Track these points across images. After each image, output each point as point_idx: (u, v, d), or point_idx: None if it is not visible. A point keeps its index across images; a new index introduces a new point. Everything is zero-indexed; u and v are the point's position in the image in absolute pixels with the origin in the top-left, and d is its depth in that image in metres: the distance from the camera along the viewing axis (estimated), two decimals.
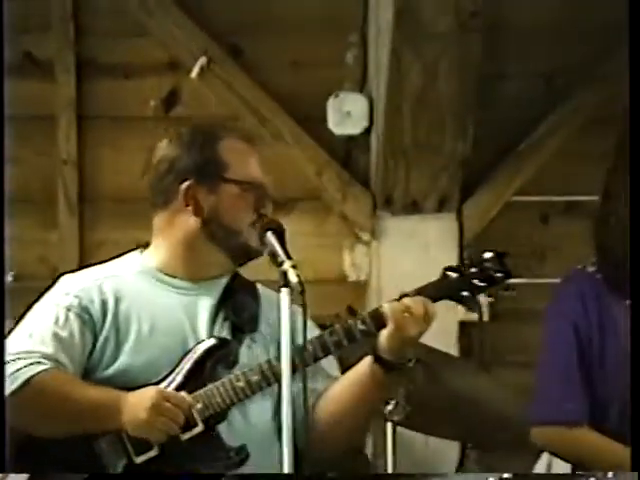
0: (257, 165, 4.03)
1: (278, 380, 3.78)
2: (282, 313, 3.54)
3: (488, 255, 3.93)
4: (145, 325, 3.95)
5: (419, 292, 3.88)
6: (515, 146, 5.68)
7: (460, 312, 5.43)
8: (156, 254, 4.03)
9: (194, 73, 5.74)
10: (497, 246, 5.41)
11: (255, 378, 3.86)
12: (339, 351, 3.92)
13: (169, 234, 4.02)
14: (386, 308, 3.83)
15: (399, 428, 4.80)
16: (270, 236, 3.72)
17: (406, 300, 3.85)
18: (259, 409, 3.94)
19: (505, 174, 5.69)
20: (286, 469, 3.48)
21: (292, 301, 3.53)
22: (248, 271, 3.96)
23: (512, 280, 5.26)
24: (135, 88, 5.81)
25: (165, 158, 4.01)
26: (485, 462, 5.54)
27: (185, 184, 3.94)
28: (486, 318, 5.48)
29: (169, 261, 4.02)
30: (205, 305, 4.00)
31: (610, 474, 3.79)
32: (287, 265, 3.57)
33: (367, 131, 5.75)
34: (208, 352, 3.93)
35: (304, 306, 3.58)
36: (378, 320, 3.83)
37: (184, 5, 5.79)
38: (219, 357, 3.94)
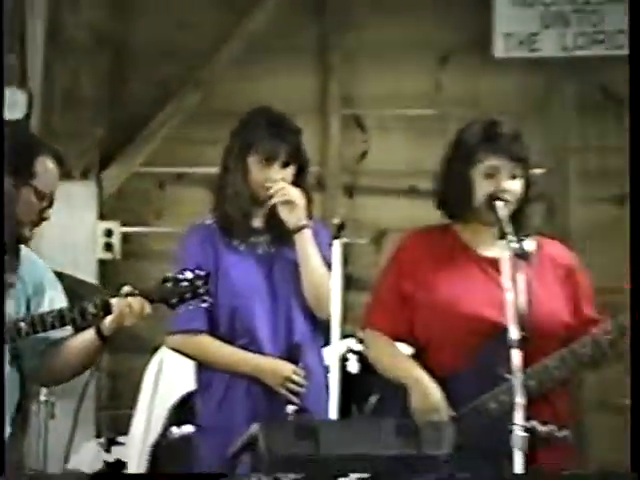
0: (56, 181, 3.92)
1: (45, 329, 3.76)
2: None
3: (198, 274, 3.79)
4: None
5: (141, 292, 3.80)
6: (139, 132, 5.71)
7: (99, 252, 5.60)
8: None
9: None
10: (126, 204, 5.69)
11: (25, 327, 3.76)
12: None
13: None
14: (114, 302, 3.76)
15: None
16: None
17: (130, 299, 3.76)
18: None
19: (132, 152, 5.73)
20: None
21: None
22: None
23: (140, 229, 5.37)
24: None
25: None
26: None
27: None
28: (119, 257, 5.65)
29: None
30: None
31: None
32: None
33: (27, 116, 5.64)
34: None
35: None
36: (106, 308, 3.75)
37: None
38: None
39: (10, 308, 3.83)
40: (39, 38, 5.38)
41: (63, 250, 5.49)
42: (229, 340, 4.11)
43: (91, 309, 3.77)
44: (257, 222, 4.16)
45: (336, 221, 4.09)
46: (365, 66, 5.79)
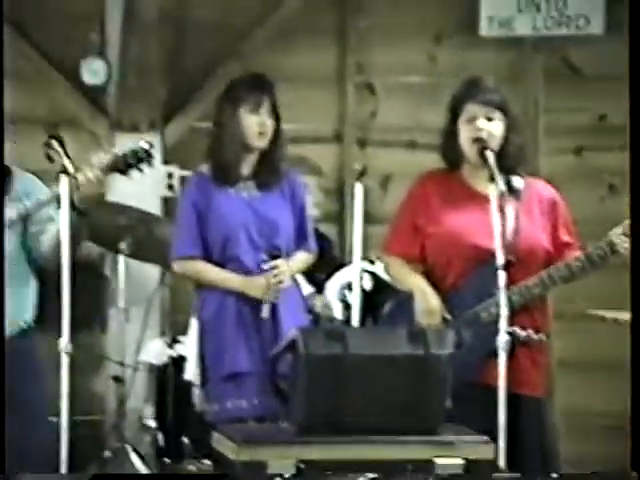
0: None
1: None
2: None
3: (137, 145, 3.86)
4: None
5: (97, 166, 3.80)
6: (195, 94, 5.56)
7: (162, 191, 5.43)
8: None
9: None
10: (184, 152, 5.60)
11: None
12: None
13: None
14: (79, 176, 3.74)
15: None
16: (54, 144, 3.66)
17: (85, 171, 3.78)
18: None
19: (189, 110, 5.57)
20: None
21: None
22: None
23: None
24: None
25: None
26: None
27: None
28: (178, 195, 5.31)
29: None
30: None
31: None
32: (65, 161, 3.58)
33: (107, 83, 5.50)
34: None
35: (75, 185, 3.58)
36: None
37: None
38: None
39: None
40: (117, 18, 5.31)
41: (134, 188, 5.25)
42: (221, 265, 4.05)
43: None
44: (245, 169, 4.08)
45: (358, 167, 4.04)
46: (375, 42, 5.67)
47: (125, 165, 3.81)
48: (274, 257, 4.02)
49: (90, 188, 3.75)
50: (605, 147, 5.71)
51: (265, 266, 4.01)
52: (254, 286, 4.01)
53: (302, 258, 4.17)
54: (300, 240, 4.15)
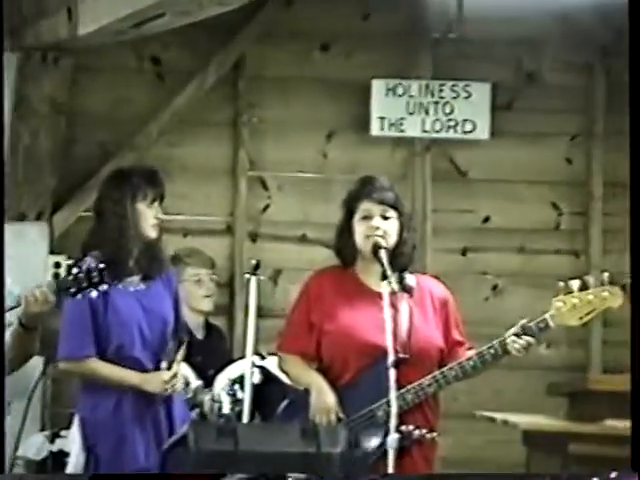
0: None
1: None
2: None
3: (92, 266, 3.56)
4: None
5: (46, 285, 3.62)
6: (84, 183, 5.47)
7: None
8: None
9: None
10: (72, 241, 5.48)
11: None
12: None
13: None
14: (23, 295, 3.63)
15: None
16: None
17: (34, 290, 3.63)
18: None
19: (78, 199, 5.50)
20: None
21: None
22: None
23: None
24: None
25: None
26: None
27: None
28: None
29: None
30: None
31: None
32: None
33: None
34: None
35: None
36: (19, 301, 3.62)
37: None
38: None
39: None
40: (7, 106, 5.17)
41: (19, 277, 5.26)
42: (114, 362, 4.02)
43: (9, 302, 3.62)
44: (130, 263, 4.05)
45: (253, 262, 4.03)
46: (268, 138, 5.73)
47: (77, 286, 3.56)
48: (169, 363, 4.02)
49: (36, 306, 3.60)
50: (489, 248, 5.82)
51: (165, 376, 4.00)
52: (153, 382, 4.00)
53: (181, 349, 4.17)
54: (176, 329, 4.14)
